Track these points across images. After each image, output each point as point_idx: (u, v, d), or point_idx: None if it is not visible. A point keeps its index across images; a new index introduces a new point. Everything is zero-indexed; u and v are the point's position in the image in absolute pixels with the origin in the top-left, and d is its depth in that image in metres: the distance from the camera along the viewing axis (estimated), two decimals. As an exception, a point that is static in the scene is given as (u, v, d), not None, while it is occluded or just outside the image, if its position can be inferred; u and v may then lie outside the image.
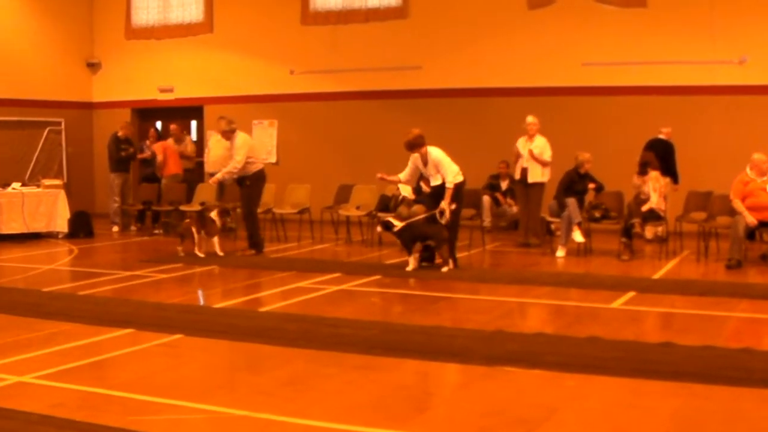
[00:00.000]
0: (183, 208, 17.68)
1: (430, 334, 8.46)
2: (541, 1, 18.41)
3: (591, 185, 14.74)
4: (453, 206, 12.81)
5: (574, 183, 14.68)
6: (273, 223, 16.91)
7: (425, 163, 13.06)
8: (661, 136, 16.15)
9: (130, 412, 6.08)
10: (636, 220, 13.92)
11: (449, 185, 12.86)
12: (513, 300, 10.71)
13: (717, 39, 16.98)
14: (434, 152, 13.01)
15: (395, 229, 12.85)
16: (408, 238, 12.82)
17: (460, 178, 13.07)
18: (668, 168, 15.72)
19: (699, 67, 17.26)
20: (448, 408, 6.26)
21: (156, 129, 20.76)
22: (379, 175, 13.84)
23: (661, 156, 15.41)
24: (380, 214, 13.99)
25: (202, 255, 13.98)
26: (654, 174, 14.20)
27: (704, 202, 14.58)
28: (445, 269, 12.57)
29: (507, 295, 10.92)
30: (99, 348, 8.04)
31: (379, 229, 13.38)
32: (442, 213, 12.78)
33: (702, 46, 17.17)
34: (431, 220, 12.87)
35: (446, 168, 12.92)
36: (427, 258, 13.14)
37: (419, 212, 13.38)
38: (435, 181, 13.07)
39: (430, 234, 12.78)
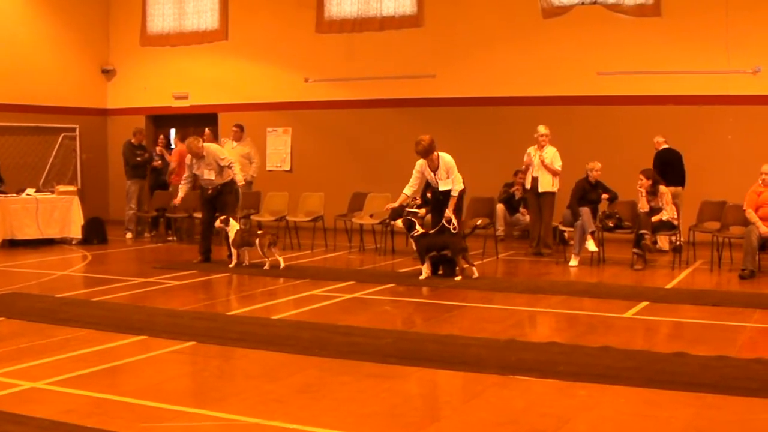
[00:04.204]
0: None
1: (443, 343, 8.46)
2: (555, 10, 18.42)
3: (604, 196, 14.74)
4: (449, 213, 12.87)
5: (586, 192, 14.69)
6: (286, 231, 16.94)
7: (435, 168, 13.03)
8: (666, 146, 16.15)
9: (142, 418, 6.09)
10: (645, 232, 13.87)
11: (455, 193, 12.90)
12: (526, 309, 10.70)
13: (731, 49, 16.96)
14: (446, 157, 13.02)
15: (415, 233, 12.86)
16: (424, 246, 12.82)
17: (461, 187, 13.12)
18: (681, 175, 15.76)
19: (713, 76, 17.24)
20: (461, 417, 6.25)
21: (166, 137, 20.79)
22: (387, 207, 13.94)
23: (678, 167, 15.56)
24: (407, 209, 13.93)
25: (266, 267, 13.86)
26: (662, 189, 14.18)
27: (718, 211, 14.54)
28: (457, 278, 12.56)
29: (520, 304, 10.91)
30: (112, 354, 8.05)
31: (400, 223, 13.32)
32: (449, 221, 12.82)
33: (716, 56, 17.14)
34: (441, 231, 12.89)
35: (456, 174, 12.94)
36: (447, 270, 13.08)
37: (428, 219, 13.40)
38: (444, 186, 13.04)
39: (447, 243, 12.77)
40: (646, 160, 15.81)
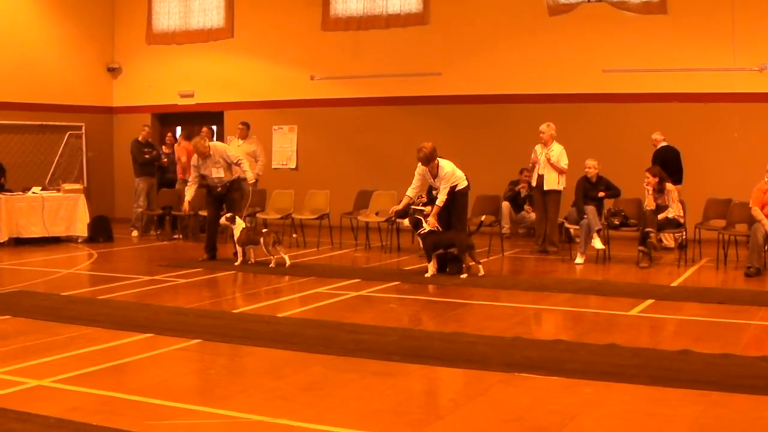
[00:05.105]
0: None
1: (448, 341, 8.46)
2: (561, 8, 18.41)
3: (601, 194, 14.67)
4: (432, 220, 12.93)
5: (588, 190, 14.67)
6: (292, 229, 16.94)
7: (435, 175, 13.08)
8: (664, 143, 16.14)
9: (148, 416, 6.10)
10: (650, 230, 13.84)
11: (439, 203, 12.98)
12: (532, 307, 10.70)
13: (737, 46, 16.94)
14: (446, 167, 13.06)
15: (422, 231, 12.87)
16: (431, 243, 12.83)
17: (464, 184, 13.19)
18: (679, 172, 15.72)
19: (719, 74, 17.22)
20: (467, 414, 6.25)
21: (173, 134, 20.81)
22: (392, 210, 13.98)
23: (676, 165, 15.54)
24: (413, 206, 13.94)
25: (272, 265, 13.89)
26: (669, 186, 14.17)
27: (723, 209, 14.53)
28: (463, 276, 12.57)
29: (526, 302, 10.90)
30: (118, 352, 8.07)
31: (406, 222, 13.34)
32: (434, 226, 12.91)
33: (722, 54, 17.13)
34: (448, 228, 12.94)
35: (448, 185, 13.00)
36: (453, 268, 13.08)
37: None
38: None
39: (454, 241, 12.79)
40: (651, 157, 15.82)
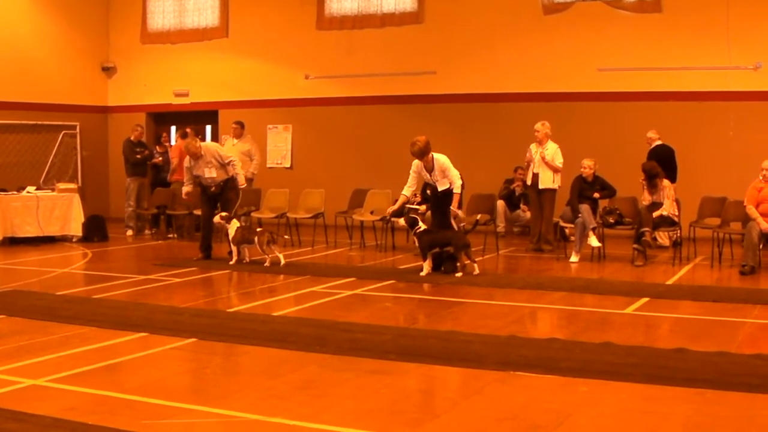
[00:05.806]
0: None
1: (444, 339, 8.45)
2: (556, 7, 18.42)
3: (596, 195, 14.67)
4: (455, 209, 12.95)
5: (583, 189, 14.68)
6: (287, 228, 16.93)
7: (430, 169, 13.08)
8: (659, 142, 16.15)
9: (144, 415, 6.09)
10: (646, 229, 13.86)
11: (457, 190, 12.95)
12: (527, 305, 10.68)
13: (732, 45, 16.95)
14: (441, 158, 13.06)
15: (418, 230, 12.86)
16: (427, 242, 12.82)
17: (460, 181, 13.17)
18: (674, 171, 15.71)
19: (714, 72, 17.23)
20: (462, 413, 6.25)
21: (168, 134, 20.80)
22: (389, 211, 13.92)
23: (671, 164, 15.52)
24: (408, 205, 13.92)
25: (267, 264, 13.85)
26: (665, 183, 14.18)
27: (718, 208, 14.54)
28: (458, 274, 12.56)
29: (521, 301, 10.89)
30: (113, 351, 8.05)
31: (401, 221, 13.32)
32: (455, 216, 12.87)
33: (717, 52, 17.14)
34: (444, 227, 12.95)
35: (453, 173, 12.96)
36: (448, 266, 13.05)
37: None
38: (442, 186, 13.09)
39: (450, 239, 12.78)
40: (646, 156, 15.83)
